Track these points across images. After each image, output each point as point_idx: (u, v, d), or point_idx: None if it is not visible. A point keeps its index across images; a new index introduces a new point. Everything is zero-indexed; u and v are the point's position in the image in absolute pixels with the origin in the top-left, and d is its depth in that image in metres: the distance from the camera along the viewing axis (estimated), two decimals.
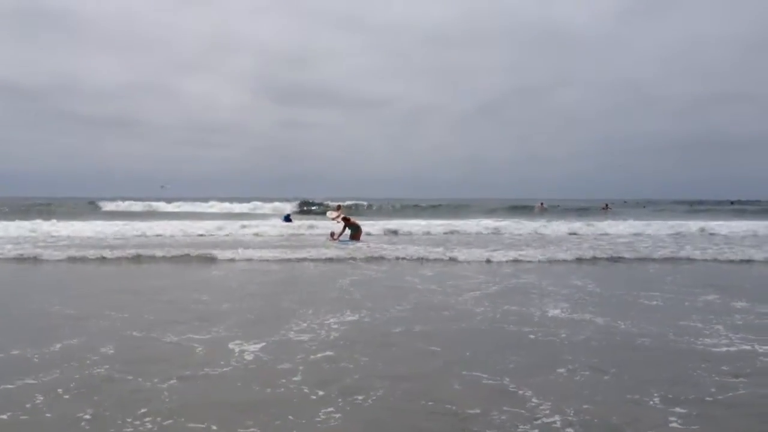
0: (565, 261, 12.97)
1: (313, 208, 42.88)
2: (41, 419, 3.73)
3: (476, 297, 8.29)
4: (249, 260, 12.72)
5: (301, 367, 4.82)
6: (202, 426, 3.62)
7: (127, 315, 6.88)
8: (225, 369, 4.79)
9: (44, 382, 4.42)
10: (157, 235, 18.86)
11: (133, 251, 13.41)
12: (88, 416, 3.76)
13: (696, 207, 56.96)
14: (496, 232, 21.30)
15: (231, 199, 48.36)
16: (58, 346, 5.45)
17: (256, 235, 19.65)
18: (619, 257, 13.62)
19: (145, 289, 9.14)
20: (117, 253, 13.08)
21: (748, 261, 13.46)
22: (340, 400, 4.08)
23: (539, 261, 12.81)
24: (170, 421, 3.68)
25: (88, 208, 40.49)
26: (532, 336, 6.01)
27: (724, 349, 5.51)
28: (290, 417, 3.77)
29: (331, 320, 6.63)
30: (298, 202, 44.67)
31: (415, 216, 33.15)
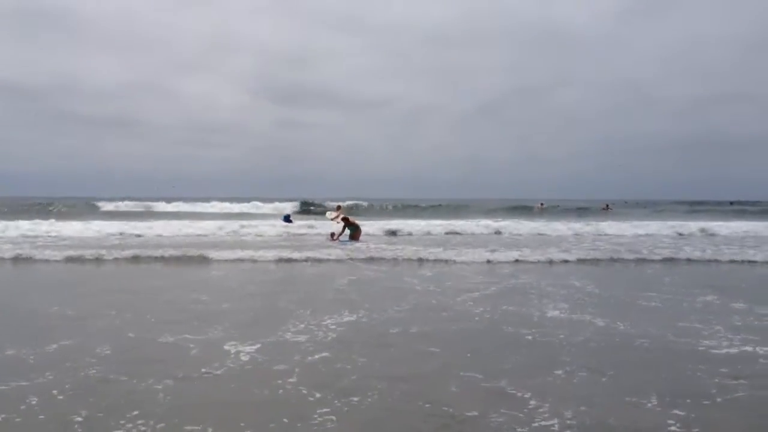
0: (564, 261, 12.94)
1: (311, 208, 42.86)
2: (34, 421, 3.70)
3: (475, 297, 8.26)
4: (248, 260, 12.70)
5: (297, 369, 4.78)
6: (197, 428, 3.58)
7: (124, 315, 6.84)
8: (220, 370, 4.75)
9: (38, 383, 4.39)
10: (157, 235, 18.83)
11: (131, 251, 13.39)
12: (80, 418, 3.72)
13: (696, 207, 56.96)
14: (496, 232, 21.30)
15: (231, 199, 48.38)
16: (54, 346, 5.42)
17: (256, 235, 19.63)
18: (619, 258, 13.60)
19: (144, 289, 9.11)
20: (115, 254, 13.05)
21: (748, 261, 13.44)
22: (336, 401, 4.05)
23: (539, 261, 12.78)
24: (163, 425, 3.64)
25: (88, 208, 40.43)
26: (530, 337, 5.98)
27: (724, 350, 5.48)
28: (285, 419, 3.74)
29: (329, 321, 6.59)
30: (298, 203, 44.69)
31: (415, 216, 33.11)
